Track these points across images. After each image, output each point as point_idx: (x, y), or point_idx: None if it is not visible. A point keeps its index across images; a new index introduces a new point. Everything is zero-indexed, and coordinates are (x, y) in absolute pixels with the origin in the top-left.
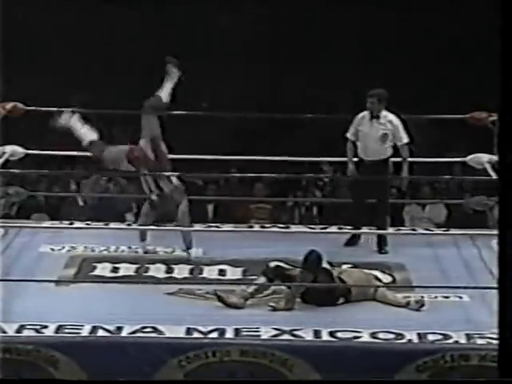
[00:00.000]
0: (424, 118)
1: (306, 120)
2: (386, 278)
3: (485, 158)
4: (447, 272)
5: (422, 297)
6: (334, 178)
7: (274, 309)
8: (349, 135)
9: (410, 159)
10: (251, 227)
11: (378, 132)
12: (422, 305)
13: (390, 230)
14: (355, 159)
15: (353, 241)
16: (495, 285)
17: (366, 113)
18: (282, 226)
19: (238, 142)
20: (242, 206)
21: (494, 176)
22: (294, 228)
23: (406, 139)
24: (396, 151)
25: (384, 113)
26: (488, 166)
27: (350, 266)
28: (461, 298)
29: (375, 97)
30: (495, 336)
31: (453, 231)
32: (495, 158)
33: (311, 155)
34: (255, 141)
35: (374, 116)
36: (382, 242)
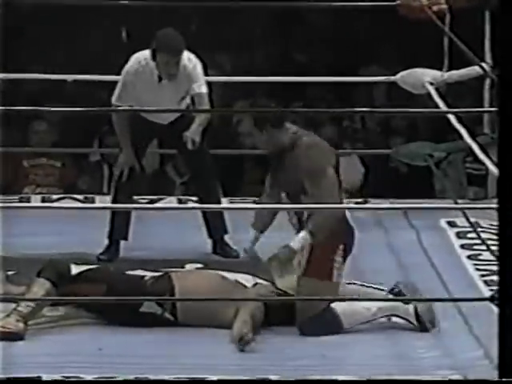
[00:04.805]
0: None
1: None
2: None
3: (426, 75)
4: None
5: None
6: None
7: None
8: (115, 100)
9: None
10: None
11: (176, 94)
12: None
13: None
14: None
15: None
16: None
17: (145, 65)
18: (81, 197)
19: None
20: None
21: (442, 106)
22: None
23: (204, 88)
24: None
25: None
26: (432, 90)
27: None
28: None
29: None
30: None
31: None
32: (442, 75)
33: None
34: None
35: (170, 76)
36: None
